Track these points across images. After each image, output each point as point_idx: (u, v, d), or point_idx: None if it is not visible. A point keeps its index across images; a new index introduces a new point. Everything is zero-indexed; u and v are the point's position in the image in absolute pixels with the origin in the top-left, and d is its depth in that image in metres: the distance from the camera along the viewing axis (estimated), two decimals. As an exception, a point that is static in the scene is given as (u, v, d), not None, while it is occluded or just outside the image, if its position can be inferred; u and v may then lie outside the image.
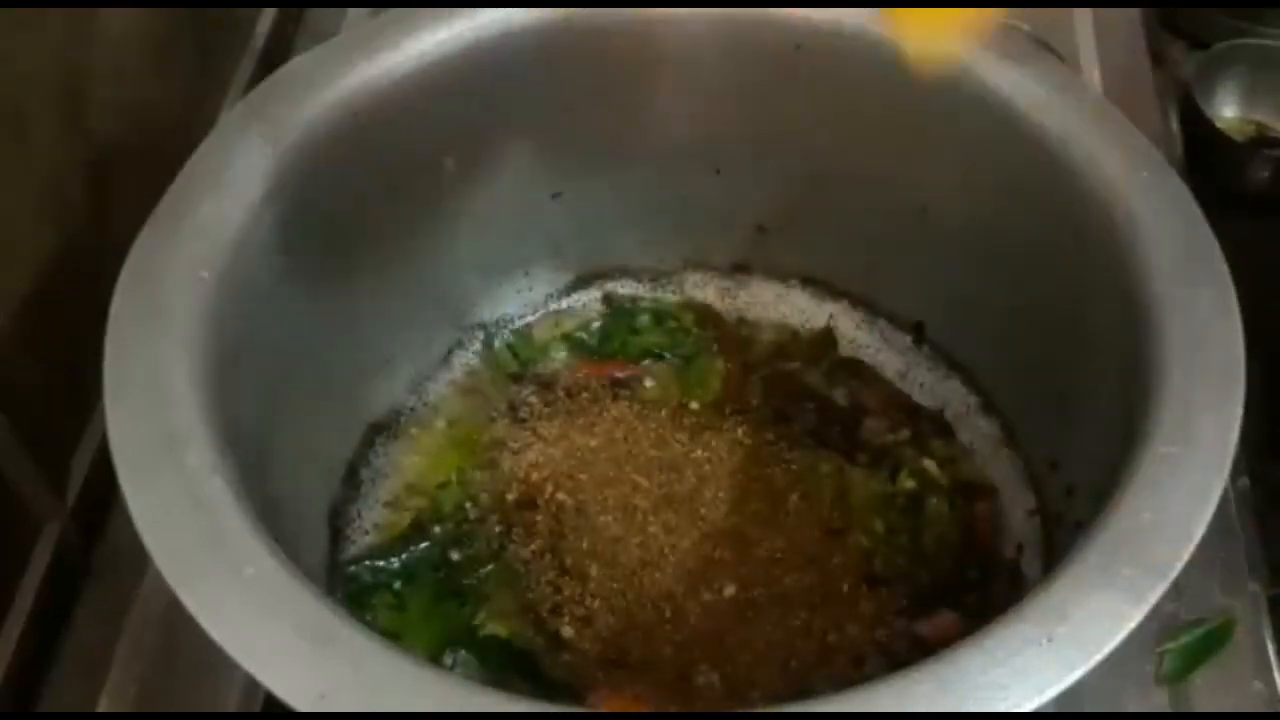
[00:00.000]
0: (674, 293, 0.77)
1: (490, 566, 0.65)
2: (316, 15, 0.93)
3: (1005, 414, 0.69)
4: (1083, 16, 0.92)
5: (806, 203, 0.73)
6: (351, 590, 0.64)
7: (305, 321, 0.61)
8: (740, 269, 0.77)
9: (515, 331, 0.75)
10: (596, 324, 0.76)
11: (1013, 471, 0.67)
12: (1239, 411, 0.49)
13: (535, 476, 0.68)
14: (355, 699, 0.42)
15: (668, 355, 0.74)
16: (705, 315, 0.76)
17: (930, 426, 0.71)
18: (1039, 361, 0.65)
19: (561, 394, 0.72)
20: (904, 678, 0.43)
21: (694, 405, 0.72)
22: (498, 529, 0.66)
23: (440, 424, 0.71)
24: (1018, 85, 0.62)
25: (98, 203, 0.67)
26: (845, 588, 0.64)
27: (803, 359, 0.74)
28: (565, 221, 0.73)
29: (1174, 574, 0.45)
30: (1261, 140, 0.91)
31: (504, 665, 0.61)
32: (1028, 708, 0.42)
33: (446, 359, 0.73)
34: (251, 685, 0.59)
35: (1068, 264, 0.61)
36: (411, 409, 0.71)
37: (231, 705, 0.60)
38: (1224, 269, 0.54)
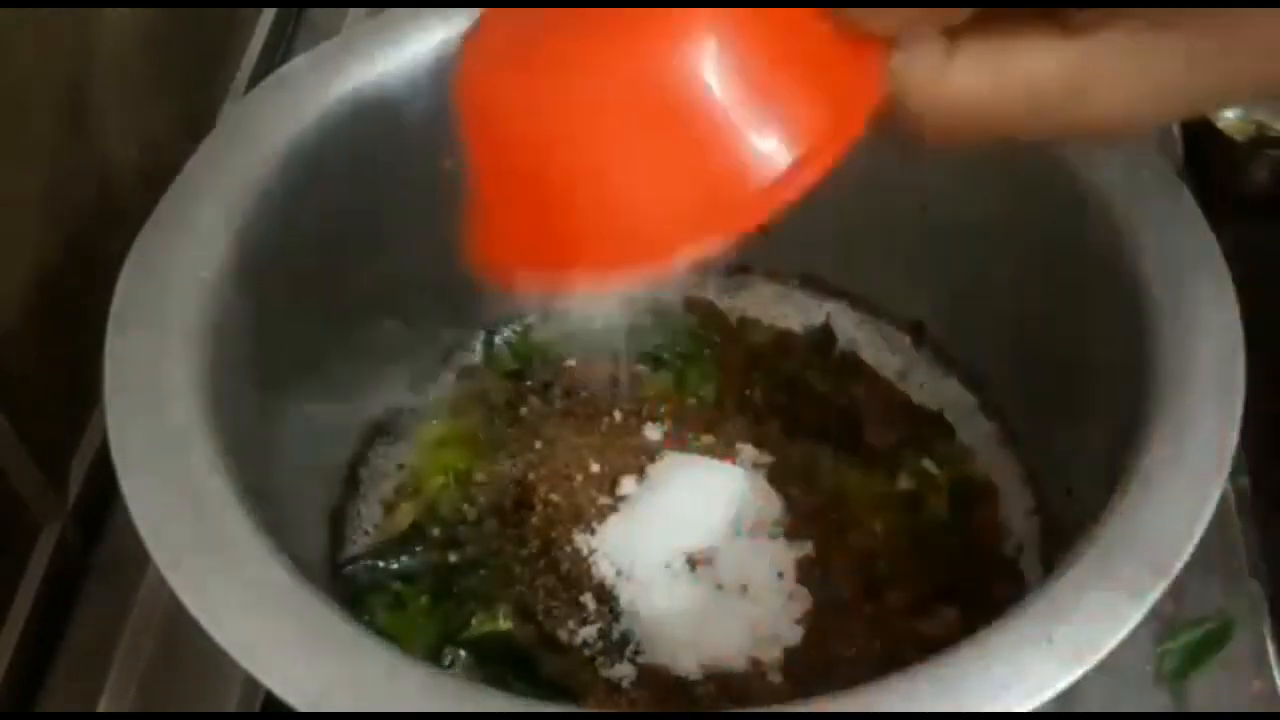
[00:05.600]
0: (674, 292, 0.77)
1: (487, 568, 0.65)
2: (316, 15, 0.93)
3: (1005, 414, 0.69)
4: (1082, 16, 0.92)
5: (805, 202, 0.72)
6: (350, 590, 0.64)
7: (305, 321, 0.61)
8: (740, 269, 0.77)
9: (516, 331, 0.75)
10: (598, 323, 0.76)
11: (1013, 471, 0.67)
12: (1238, 411, 0.49)
13: (532, 477, 0.68)
14: (355, 699, 0.42)
15: (668, 354, 0.74)
16: (708, 314, 0.76)
17: (930, 426, 0.71)
18: (1039, 361, 0.65)
19: (561, 393, 0.72)
20: (904, 678, 0.43)
21: (694, 404, 0.72)
22: (495, 530, 0.66)
23: (440, 424, 0.71)
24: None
25: (98, 202, 0.67)
26: (846, 589, 0.64)
27: (802, 359, 0.74)
28: (565, 221, 0.73)
29: (1174, 573, 0.45)
30: (1261, 140, 0.91)
31: (501, 666, 0.61)
32: (1027, 707, 0.42)
33: (446, 359, 0.73)
34: (251, 685, 0.59)
35: (1068, 264, 0.61)
36: (412, 409, 0.71)
37: (231, 705, 0.61)
38: (1224, 269, 0.54)
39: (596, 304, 0.76)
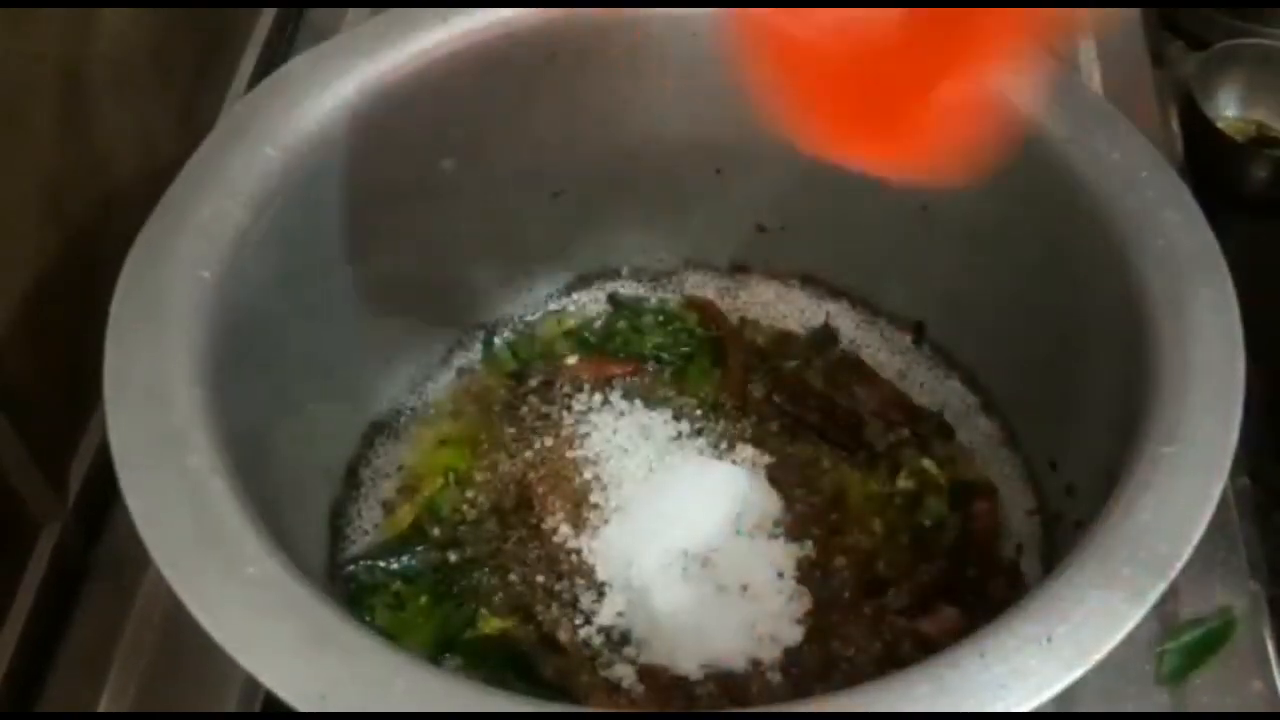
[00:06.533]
0: (674, 292, 0.77)
1: (487, 568, 0.65)
2: (316, 15, 0.93)
3: (1005, 414, 0.69)
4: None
5: (806, 202, 0.73)
6: (351, 590, 0.64)
7: (305, 321, 0.61)
8: (740, 269, 0.77)
9: (515, 331, 0.75)
10: (598, 323, 0.76)
11: (1013, 471, 0.67)
12: (1239, 411, 0.49)
13: (532, 476, 0.68)
14: (355, 699, 0.42)
15: (668, 354, 0.74)
16: (708, 314, 0.76)
17: (930, 426, 0.71)
18: (1039, 361, 0.65)
19: (561, 393, 0.72)
20: (904, 678, 0.43)
21: (694, 404, 0.72)
22: (495, 530, 0.66)
23: (440, 424, 0.71)
24: (1018, 85, 0.62)
25: (98, 203, 0.67)
26: (847, 589, 0.64)
27: (803, 359, 0.74)
28: (565, 221, 0.73)
29: (1173, 573, 0.45)
30: (1261, 140, 0.91)
31: (501, 666, 0.61)
32: (1027, 707, 0.42)
33: (446, 359, 0.73)
34: (251, 685, 0.59)
35: (1067, 264, 0.61)
36: (411, 409, 0.71)
37: (231, 705, 0.61)
38: (1224, 269, 0.54)
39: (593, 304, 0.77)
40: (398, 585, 0.64)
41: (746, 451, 0.69)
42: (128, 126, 0.70)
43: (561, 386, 0.72)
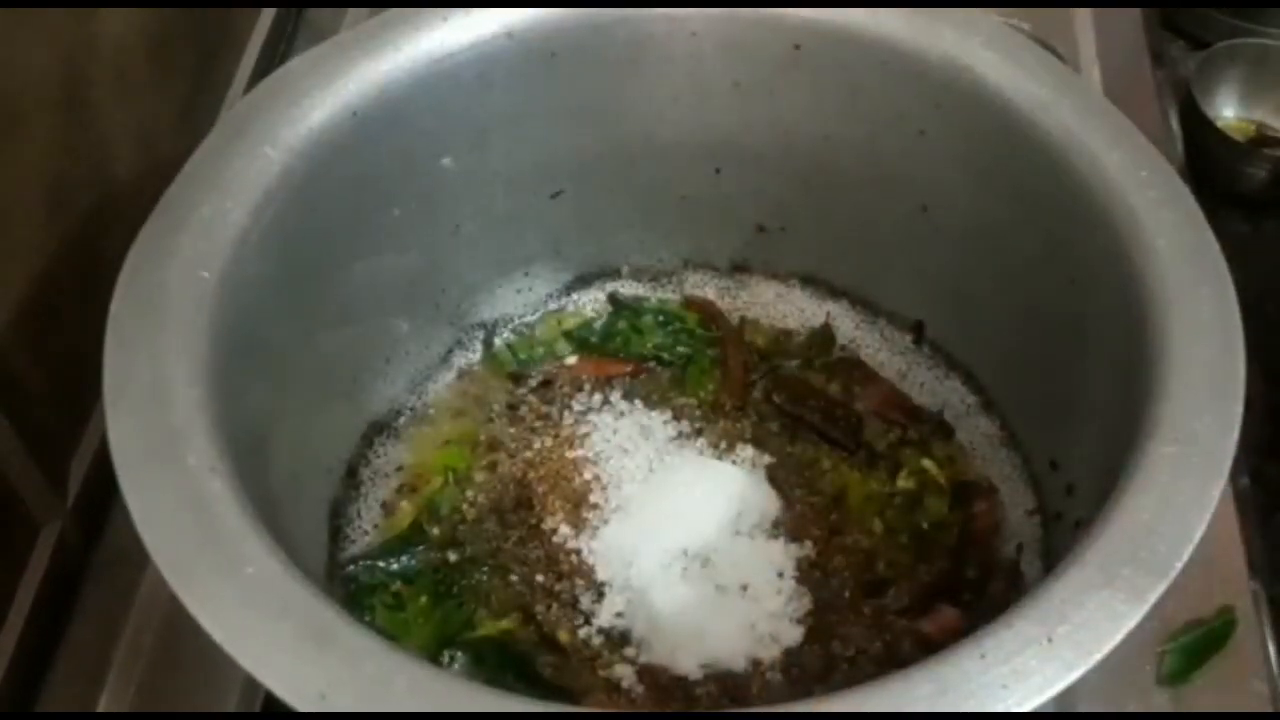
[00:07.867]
0: (674, 292, 0.77)
1: (487, 568, 0.65)
2: (316, 15, 0.93)
3: (1005, 414, 0.69)
4: (1083, 16, 0.92)
5: (806, 202, 0.73)
6: (350, 590, 0.64)
7: (305, 321, 0.61)
8: (740, 269, 0.77)
9: (515, 331, 0.75)
10: (598, 323, 0.76)
11: (1013, 471, 0.68)
12: (1239, 411, 0.49)
13: (532, 476, 0.68)
14: (355, 699, 0.42)
15: (668, 354, 0.74)
16: (708, 314, 0.76)
17: (930, 426, 0.71)
18: (1039, 361, 0.65)
19: (561, 393, 0.72)
20: (904, 678, 0.43)
21: (694, 404, 0.72)
22: (495, 530, 0.66)
23: (440, 424, 0.71)
24: (1018, 85, 0.62)
25: (98, 203, 0.67)
26: (847, 589, 0.64)
27: (802, 359, 0.74)
28: (565, 221, 0.73)
29: (1174, 574, 0.45)
30: (1261, 140, 0.92)
31: (500, 666, 0.61)
32: (1027, 707, 0.42)
33: (446, 359, 0.73)
34: (251, 685, 0.59)
35: (1068, 264, 0.61)
36: (411, 409, 0.71)
37: (231, 705, 0.61)
38: (1224, 268, 0.54)
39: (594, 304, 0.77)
40: (397, 585, 0.64)
41: (746, 451, 0.69)
42: (128, 126, 0.70)
43: (561, 386, 0.72)
